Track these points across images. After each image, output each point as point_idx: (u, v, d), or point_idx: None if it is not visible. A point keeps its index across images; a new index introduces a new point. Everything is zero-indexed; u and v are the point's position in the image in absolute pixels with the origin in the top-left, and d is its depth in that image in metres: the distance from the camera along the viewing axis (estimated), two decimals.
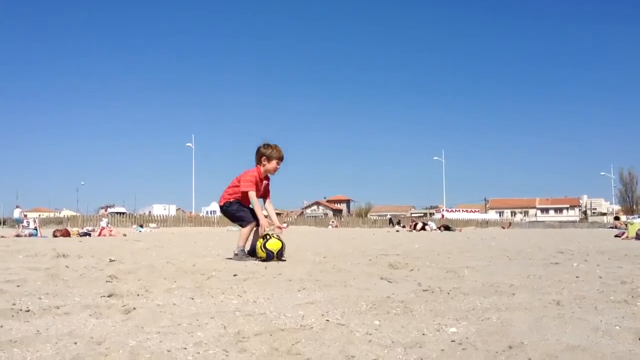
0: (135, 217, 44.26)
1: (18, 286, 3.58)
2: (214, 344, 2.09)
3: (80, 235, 17.35)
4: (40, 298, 3.11)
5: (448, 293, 3.33)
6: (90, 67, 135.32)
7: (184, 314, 2.69)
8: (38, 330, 2.30)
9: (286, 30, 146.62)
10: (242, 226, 5.93)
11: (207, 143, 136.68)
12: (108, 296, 3.18)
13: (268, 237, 5.68)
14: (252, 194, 5.86)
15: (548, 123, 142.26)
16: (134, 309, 2.77)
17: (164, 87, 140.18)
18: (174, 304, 2.95)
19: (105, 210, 30.78)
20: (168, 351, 1.98)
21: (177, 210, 67.09)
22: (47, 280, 3.91)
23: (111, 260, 5.48)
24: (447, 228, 30.73)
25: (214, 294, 3.30)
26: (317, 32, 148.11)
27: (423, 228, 29.86)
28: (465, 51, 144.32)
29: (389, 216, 61.86)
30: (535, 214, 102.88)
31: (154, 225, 39.70)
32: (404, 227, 37.39)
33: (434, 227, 31.28)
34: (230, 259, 5.76)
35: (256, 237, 5.93)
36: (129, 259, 5.86)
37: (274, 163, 5.96)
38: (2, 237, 15.13)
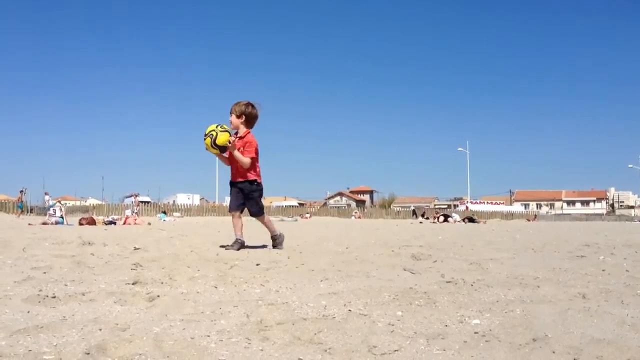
0: (159, 206, 44.67)
1: (44, 273, 3.63)
2: (236, 332, 2.10)
3: (106, 224, 17.54)
4: (66, 285, 3.15)
5: (471, 285, 3.31)
6: (116, 59, 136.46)
7: (207, 302, 2.71)
8: (64, 316, 2.34)
9: (303, 23, 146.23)
10: None
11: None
12: (133, 284, 3.22)
13: (214, 134, 5.51)
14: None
15: (575, 114, 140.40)
16: (158, 296, 2.80)
17: (187, 78, 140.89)
18: (198, 292, 2.98)
19: (136, 198, 30.98)
20: (192, 338, 2.00)
21: (200, 199, 67.62)
22: (72, 267, 3.96)
23: (136, 249, 5.53)
24: (471, 220, 30.50)
25: (236, 283, 3.31)
26: (338, 26, 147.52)
27: (446, 220, 29.71)
28: (491, 43, 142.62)
29: (412, 207, 61.55)
30: (562, 207, 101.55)
31: (177, 214, 39.98)
32: (427, 218, 37.21)
33: (458, 218, 31.10)
34: (232, 246, 5.74)
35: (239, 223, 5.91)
36: (154, 247, 5.91)
37: None
38: (29, 224, 15.38)
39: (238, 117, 5.72)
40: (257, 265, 4.21)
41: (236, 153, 5.58)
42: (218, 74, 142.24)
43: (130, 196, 38.30)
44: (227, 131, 5.56)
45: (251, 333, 2.09)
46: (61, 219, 18.04)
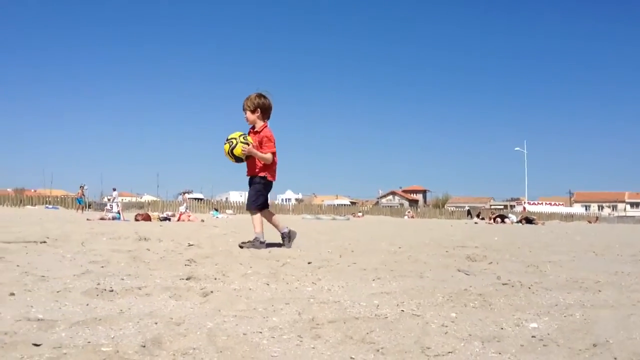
0: (212, 203, 45.40)
1: (102, 267, 3.72)
2: (288, 329, 2.10)
3: (161, 220, 17.90)
4: (122, 279, 3.22)
5: (529, 288, 3.22)
6: (169, 57, 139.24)
7: (260, 299, 2.72)
8: (121, 310, 2.39)
9: (370, 20, 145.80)
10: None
11: (281, 131, 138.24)
12: (187, 279, 3.26)
13: (234, 142, 5.49)
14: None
15: (638, 112, 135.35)
16: (212, 292, 2.83)
17: (240, 78, 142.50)
18: (250, 289, 3.00)
19: (184, 195, 31.76)
20: (244, 334, 2.01)
21: None
22: (129, 262, 4.05)
23: (190, 245, 5.62)
24: (528, 221, 29.82)
25: (288, 281, 3.32)
26: (400, 22, 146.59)
27: (503, 220, 29.18)
28: (548, 39, 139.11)
29: (467, 207, 60.73)
30: (625, 209, 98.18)
31: (230, 211, 40.53)
32: (482, 219, 36.64)
33: (515, 219, 30.50)
34: (283, 242, 5.74)
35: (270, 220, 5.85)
36: (207, 243, 5.99)
37: None
38: (87, 219, 15.84)
39: (253, 112, 5.64)
40: (309, 263, 4.21)
41: (255, 152, 5.52)
42: (264, 68, 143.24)
43: (185, 193, 39.14)
44: (248, 144, 5.51)
45: (303, 331, 2.09)
46: (118, 214, 18.50)
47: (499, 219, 29.72)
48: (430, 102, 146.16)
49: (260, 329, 2.09)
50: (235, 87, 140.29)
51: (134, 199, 57.95)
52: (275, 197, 68.01)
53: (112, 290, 2.81)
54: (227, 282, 3.20)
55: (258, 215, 5.69)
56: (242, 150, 5.45)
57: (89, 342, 1.88)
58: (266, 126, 5.67)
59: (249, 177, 5.74)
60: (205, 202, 47.87)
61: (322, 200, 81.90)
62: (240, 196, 62.70)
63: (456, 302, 2.72)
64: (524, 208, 58.32)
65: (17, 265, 3.61)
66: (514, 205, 71.19)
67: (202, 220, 18.49)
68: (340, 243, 6.75)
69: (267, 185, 5.72)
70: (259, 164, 5.61)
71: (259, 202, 5.70)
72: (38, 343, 1.82)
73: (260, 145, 5.57)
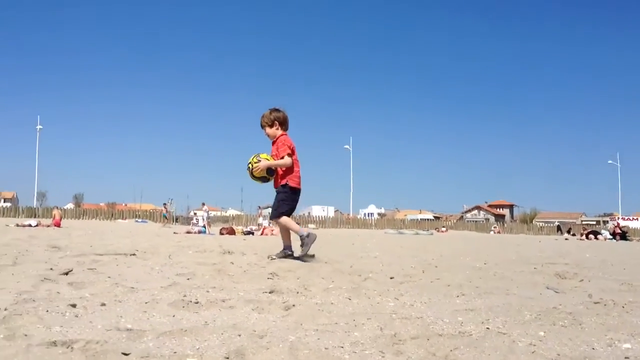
0: (294, 218, 45.89)
1: (188, 279, 3.82)
2: (370, 345, 2.08)
3: (245, 234, 18.27)
4: (207, 291, 3.29)
5: (622, 307, 3.06)
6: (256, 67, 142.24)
7: (341, 313, 2.72)
8: (206, 322, 2.44)
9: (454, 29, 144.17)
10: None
11: (365, 145, 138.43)
12: (269, 292, 3.30)
13: (250, 167, 5.59)
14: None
15: None
16: (294, 305, 2.85)
17: (322, 92, 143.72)
18: (332, 303, 2.99)
19: (261, 210, 32.49)
20: (326, 349, 2.01)
21: (335, 211, 68.52)
22: (214, 274, 4.14)
23: (272, 259, 5.68)
24: (623, 237, 28.43)
25: (370, 295, 3.30)
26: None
27: (596, 237, 27.96)
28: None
29: (557, 223, 58.54)
30: None
31: (312, 226, 40.80)
32: (573, 234, 35.24)
33: (608, 235, 29.15)
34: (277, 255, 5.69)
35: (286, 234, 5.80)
36: (289, 257, 6.04)
37: None
38: (174, 233, 16.35)
39: (271, 126, 5.76)
40: (391, 278, 4.17)
41: (269, 164, 5.60)
42: (350, 84, 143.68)
43: (267, 207, 39.78)
44: (260, 161, 5.60)
45: (385, 346, 2.07)
46: (204, 228, 19.03)
47: (591, 235, 28.50)
48: (516, 115, 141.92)
49: (341, 344, 2.09)
50: (314, 99, 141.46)
51: (218, 213, 59.44)
52: (358, 212, 67.95)
53: (197, 302, 2.88)
54: (308, 296, 3.22)
55: (284, 218, 5.71)
56: (255, 170, 5.58)
57: (175, 352, 1.93)
58: (282, 135, 5.77)
59: (275, 189, 5.82)
60: None
61: (405, 215, 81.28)
62: (322, 210, 63.09)
63: (544, 321, 2.62)
64: (618, 223, 55.61)
65: (109, 277, 3.76)
66: (607, 221, 67.94)
67: None
68: (423, 258, 6.66)
69: (291, 193, 5.73)
70: (280, 172, 5.71)
71: (281, 211, 5.72)
72: (127, 352, 1.88)
73: (277, 152, 5.68)
